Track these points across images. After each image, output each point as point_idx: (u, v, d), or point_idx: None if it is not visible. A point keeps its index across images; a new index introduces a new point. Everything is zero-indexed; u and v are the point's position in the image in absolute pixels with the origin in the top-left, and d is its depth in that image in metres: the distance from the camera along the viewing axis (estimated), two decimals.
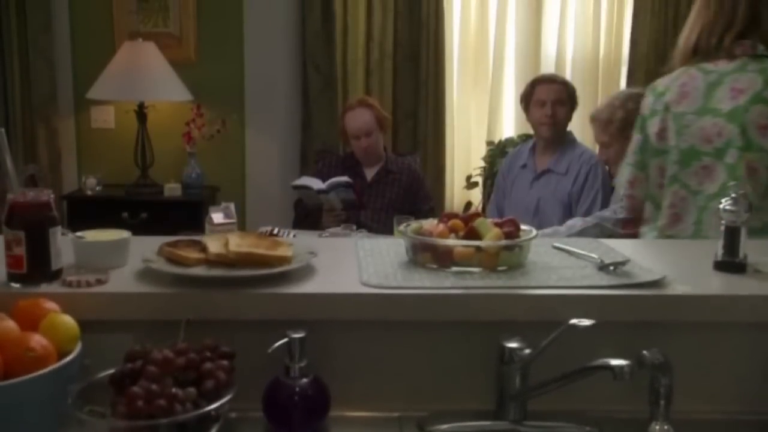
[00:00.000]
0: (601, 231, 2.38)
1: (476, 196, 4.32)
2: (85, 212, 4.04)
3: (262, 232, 2.54)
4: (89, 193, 4.04)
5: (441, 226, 1.50)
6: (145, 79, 3.90)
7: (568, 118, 3.29)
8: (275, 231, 2.48)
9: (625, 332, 1.33)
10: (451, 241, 1.45)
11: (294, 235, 2.50)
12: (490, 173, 4.15)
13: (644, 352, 1.24)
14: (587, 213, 3.11)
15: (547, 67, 4.39)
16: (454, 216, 1.55)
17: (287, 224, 3.72)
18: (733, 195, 1.45)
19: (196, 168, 4.13)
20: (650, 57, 4.23)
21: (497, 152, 4.16)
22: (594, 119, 2.65)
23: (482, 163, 4.26)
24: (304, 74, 4.23)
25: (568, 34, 4.37)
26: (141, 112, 4.03)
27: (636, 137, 2.15)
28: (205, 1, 4.19)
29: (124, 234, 1.50)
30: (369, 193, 3.57)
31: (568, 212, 3.19)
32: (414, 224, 1.56)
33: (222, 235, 1.53)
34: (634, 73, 4.27)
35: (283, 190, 3.98)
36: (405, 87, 4.31)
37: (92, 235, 1.50)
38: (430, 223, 1.54)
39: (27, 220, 1.32)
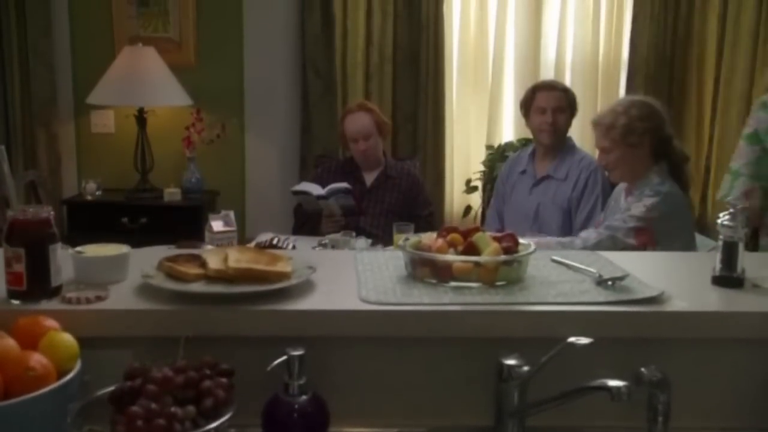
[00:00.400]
0: (614, 243, 2.39)
1: (476, 200, 4.33)
2: (85, 217, 4.05)
3: (262, 242, 2.54)
4: (89, 198, 4.04)
5: (440, 241, 1.50)
6: (144, 84, 3.91)
7: (568, 125, 3.29)
8: (275, 241, 2.48)
9: (624, 348, 1.33)
10: (450, 257, 1.46)
11: (293, 246, 2.50)
12: (489, 177, 4.15)
13: (642, 369, 1.25)
14: (587, 219, 3.12)
15: (547, 71, 4.39)
16: (453, 230, 1.55)
17: (287, 229, 3.72)
18: (731, 210, 1.46)
19: (195, 172, 4.13)
20: (650, 61, 4.23)
21: (497, 156, 4.16)
22: (596, 124, 2.65)
23: (482, 167, 4.26)
24: (304, 78, 4.23)
25: (567, 38, 4.37)
26: (141, 117, 4.03)
27: (751, 149, 2.15)
28: (204, 6, 4.19)
29: (124, 249, 1.50)
30: (368, 198, 3.57)
31: (568, 218, 3.19)
32: (413, 238, 1.56)
33: (221, 249, 1.53)
34: (633, 77, 4.27)
35: (282, 195, 3.99)
36: (405, 91, 4.31)
37: (92, 250, 1.50)
38: (429, 238, 1.54)
39: (27, 238, 1.33)
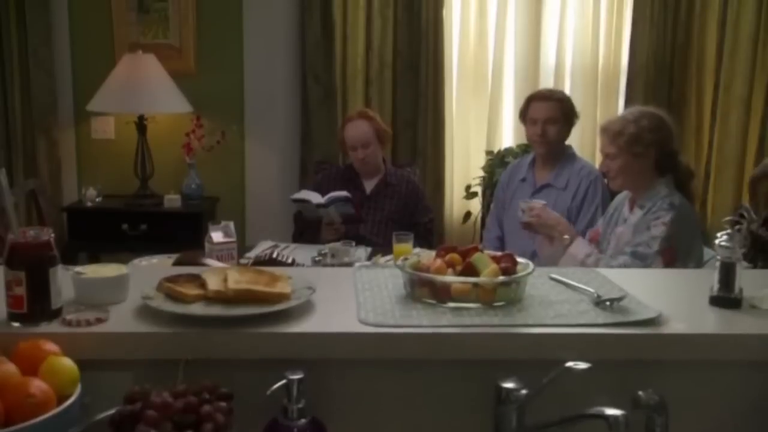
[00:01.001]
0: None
1: (475, 206, 4.33)
2: (85, 224, 4.06)
3: (261, 255, 2.55)
4: (89, 204, 4.05)
5: (438, 261, 1.51)
6: (145, 92, 3.92)
7: (562, 135, 3.29)
8: (275, 254, 2.49)
9: (622, 371, 1.34)
10: (449, 278, 1.46)
11: (293, 261, 2.50)
12: (489, 183, 4.16)
13: (640, 392, 1.25)
14: (587, 228, 3.12)
15: (547, 77, 4.40)
16: (452, 249, 1.56)
17: (287, 235, 3.73)
18: (729, 231, 1.46)
19: (195, 179, 4.14)
20: (649, 66, 4.24)
21: (496, 162, 4.17)
22: (604, 129, 2.66)
23: (481, 173, 4.27)
24: (304, 85, 4.24)
25: (567, 44, 4.38)
26: (141, 124, 4.04)
27: None
28: (204, 13, 4.19)
29: (124, 269, 1.51)
30: (368, 205, 3.58)
31: None
32: (412, 258, 1.57)
33: (221, 269, 1.53)
34: (633, 83, 4.28)
35: (282, 201, 3.99)
36: (404, 96, 4.32)
37: (92, 270, 1.50)
38: (427, 257, 1.55)
39: (27, 261, 1.33)
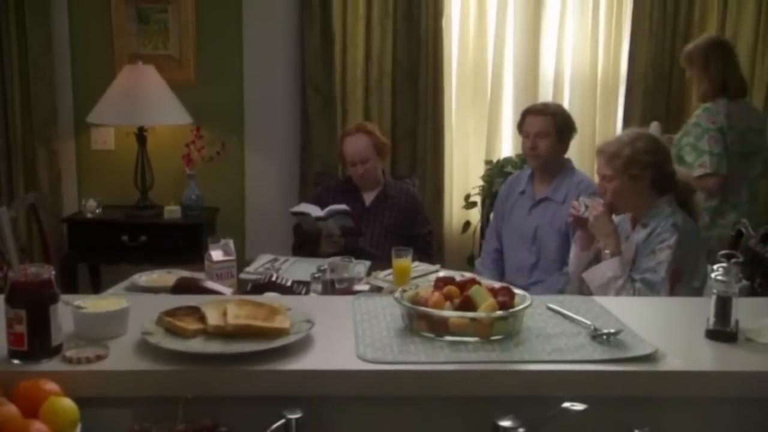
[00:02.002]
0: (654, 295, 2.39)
1: (474, 215, 4.34)
2: (85, 235, 4.06)
3: (261, 277, 2.55)
4: (89, 215, 4.05)
5: (436, 294, 1.52)
6: (144, 103, 3.92)
7: (554, 149, 3.27)
8: (274, 276, 2.49)
9: (618, 407, 1.35)
10: (446, 313, 1.47)
11: (292, 283, 2.51)
12: (488, 193, 4.17)
13: (636, 430, 1.27)
14: None
15: (546, 86, 4.40)
16: (450, 281, 1.57)
17: (287, 246, 3.74)
18: (725, 264, 1.47)
19: (195, 190, 4.14)
20: (648, 77, 4.24)
21: (495, 171, 4.17)
22: (600, 151, 2.66)
23: (481, 183, 4.28)
24: (304, 95, 4.24)
25: (566, 53, 4.38)
26: (141, 135, 4.04)
27: None
28: (204, 24, 4.20)
29: (124, 303, 1.52)
30: (367, 217, 3.58)
31: (566, 241, 3.19)
32: (410, 291, 1.58)
33: (220, 302, 1.54)
34: (632, 93, 4.29)
35: (282, 211, 3.99)
36: (404, 106, 4.32)
37: (92, 304, 1.51)
38: (426, 290, 1.56)
39: (28, 299, 1.34)
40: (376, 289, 2.71)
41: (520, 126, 3.35)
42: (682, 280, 2.41)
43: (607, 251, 2.51)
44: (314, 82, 4.21)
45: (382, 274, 2.99)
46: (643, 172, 2.50)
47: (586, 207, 2.63)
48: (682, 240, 2.42)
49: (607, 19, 4.33)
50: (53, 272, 1.38)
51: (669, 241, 2.40)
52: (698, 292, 2.40)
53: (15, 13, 4.05)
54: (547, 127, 3.23)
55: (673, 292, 2.35)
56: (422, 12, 4.20)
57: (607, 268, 2.46)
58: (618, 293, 2.36)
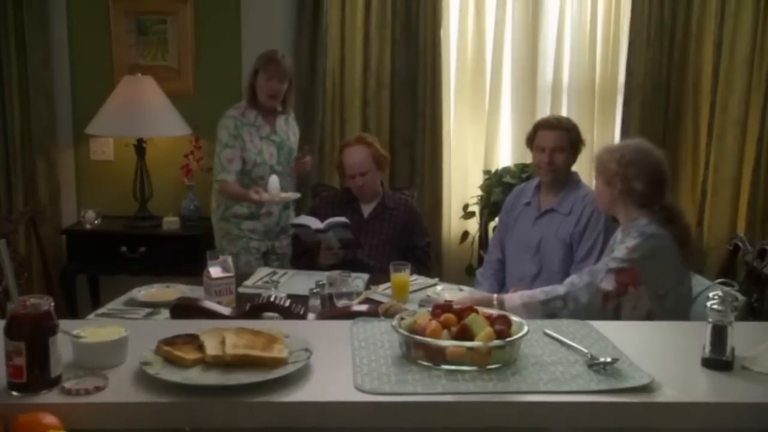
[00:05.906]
0: (593, 289, 2.42)
1: (473, 225, 4.34)
2: (84, 246, 4.06)
3: (258, 301, 2.55)
4: (88, 226, 4.06)
5: (433, 323, 1.53)
6: (143, 115, 3.92)
7: (569, 163, 3.30)
8: (271, 297, 2.48)
9: None
10: (444, 342, 1.48)
11: (290, 304, 2.50)
12: (487, 202, 4.17)
13: None
14: (587, 255, 3.14)
15: (544, 96, 4.40)
16: (447, 308, 1.58)
17: (285, 258, 3.75)
18: (720, 293, 1.48)
19: (194, 200, 4.15)
20: (646, 86, 4.25)
21: (494, 181, 4.18)
22: (594, 157, 2.72)
23: (479, 192, 4.28)
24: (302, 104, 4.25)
25: (564, 63, 4.38)
26: (140, 146, 4.05)
27: None
28: (203, 35, 4.20)
29: (122, 332, 1.53)
30: (366, 229, 3.58)
31: (569, 253, 3.20)
32: (408, 319, 1.58)
33: (219, 331, 1.55)
34: (630, 102, 4.28)
35: None
36: (402, 116, 4.33)
37: (91, 333, 1.52)
38: (423, 318, 1.57)
39: (27, 332, 1.35)
40: (375, 304, 2.70)
41: (531, 139, 3.34)
42: (640, 283, 2.42)
43: (494, 303, 2.49)
44: (310, 93, 4.22)
45: (380, 288, 3.01)
46: (613, 180, 2.53)
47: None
48: (643, 246, 2.43)
49: (604, 28, 4.33)
50: (53, 303, 1.39)
51: (629, 243, 2.45)
52: (685, 313, 2.43)
53: (14, 25, 4.06)
54: (563, 142, 3.24)
55: (624, 293, 2.39)
56: (420, 22, 4.21)
57: (512, 305, 2.47)
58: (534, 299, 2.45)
